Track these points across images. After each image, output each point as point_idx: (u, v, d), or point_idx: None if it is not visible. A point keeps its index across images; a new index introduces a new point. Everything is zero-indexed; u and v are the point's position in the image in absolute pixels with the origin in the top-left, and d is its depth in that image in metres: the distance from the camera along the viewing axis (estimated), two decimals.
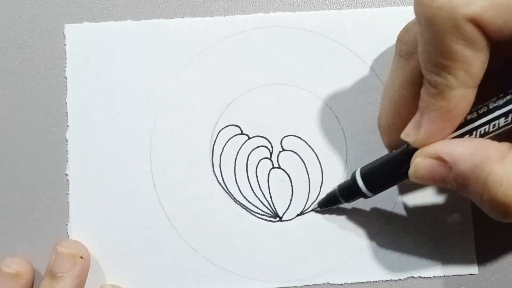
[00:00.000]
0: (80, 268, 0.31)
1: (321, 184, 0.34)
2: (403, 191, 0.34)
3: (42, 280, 0.31)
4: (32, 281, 0.32)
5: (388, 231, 0.33)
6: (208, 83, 0.34)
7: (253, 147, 0.34)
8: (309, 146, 0.34)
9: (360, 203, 0.33)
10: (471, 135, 0.26)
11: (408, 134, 0.27)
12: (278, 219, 0.33)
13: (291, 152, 0.34)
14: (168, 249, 0.33)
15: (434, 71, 0.24)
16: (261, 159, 0.34)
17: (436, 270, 0.33)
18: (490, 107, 0.25)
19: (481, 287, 0.33)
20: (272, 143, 0.34)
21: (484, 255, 0.33)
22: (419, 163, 0.26)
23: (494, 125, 0.25)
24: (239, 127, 0.34)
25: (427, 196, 0.34)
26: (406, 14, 0.30)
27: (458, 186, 0.25)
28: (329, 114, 0.34)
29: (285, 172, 0.34)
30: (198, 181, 0.33)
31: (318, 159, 0.34)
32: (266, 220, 0.33)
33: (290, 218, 0.33)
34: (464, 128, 0.26)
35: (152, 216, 0.33)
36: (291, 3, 0.35)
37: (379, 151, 0.34)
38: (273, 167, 0.34)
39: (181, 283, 0.33)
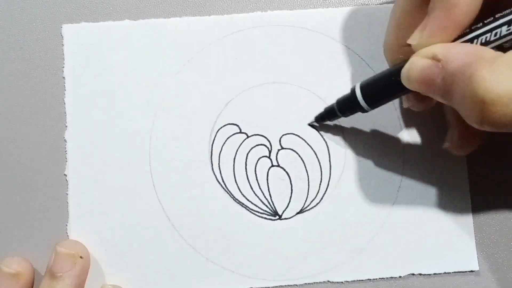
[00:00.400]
0: (80, 268, 0.31)
1: (320, 182, 0.34)
2: (403, 188, 0.34)
3: (42, 280, 0.31)
4: (32, 281, 0.32)
5: (388, 229, 0.33)
6: (207, 82, 0.34)
7: (252, 146, 0.34)
8: (308, 144, 0.34)
9: (361, 200, 0.33)
10: (472, 42, 0.26)
11: (413, 38, 0.27)
12: (277, 217, 0.33)
13: (290, 150, 0.34)
14: (168, 249, 0.33)
15: None
16: (260, 158, 0.34)
17: (436, 267, 0.33)
18: (496, 16, 0.25)
19: (482, 284, 0.33)
20: (271, 142, 0.34)
21: (484, 251, 0.33)
22: (414, 62, 0.26)
23: (495, 34, 0.25)
24: (238, 125, 0.34)
25: (427, 193, 0.34)
26: None
27: (445, 89, 0.25)
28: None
29: (284, 170, 0.34)
30: (197, 180, 0.33)
31: (317, 157, 0.34)
32: (265, 218, 0.33)
33: (289, 216, 0.33)
34: (467, 36, 0.26)
35: (151, 216, 0.33)
36: (289, 2, 0.35)
37: (377, 149, 0.34)
38: (272, 166, 0.34)
39: (181, 282, 0.33)
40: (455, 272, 0.33)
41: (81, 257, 0.31)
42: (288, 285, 0.33)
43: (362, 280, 0.33)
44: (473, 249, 0.33)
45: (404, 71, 0.27)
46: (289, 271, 0.33)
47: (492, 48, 0.25)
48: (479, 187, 0.34)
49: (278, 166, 0.34)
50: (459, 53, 0.24)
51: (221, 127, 0.34)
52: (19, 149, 0.34)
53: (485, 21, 0.25)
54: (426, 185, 0.34)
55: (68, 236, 0.33)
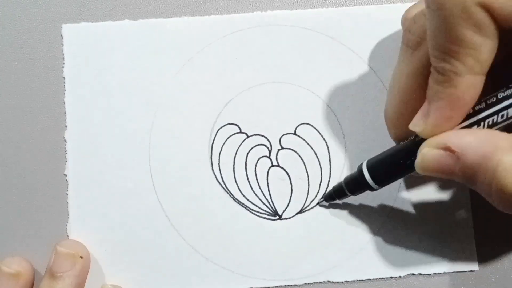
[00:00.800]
0: (80, 267, 0.31)
1: (320, 182, 0.34)
2: (402, 188, 0.34)
3: (42, 279, 0.31)
4: (32, 281, 0.32)
5: (388, 229, 0.33)
6: (206, 82, 0.34)
7: (252, 146, 0.34)
8: (308, 144, 0.34)
9: (360, 200, 0.33)
10: (479, 125, 0.26)
11: (416, 124, 0.27)
12: (277, 217, 0.33)
13: (290, 150, 0.34)
14: (168, 249, 0.33)
15: (442, 57, 0.24)
16: (260, 158, 0.34)
17: (436, 267, 0.33)
18: (499, 97, 0.25)
19: (481, 284, 0.33)
20: (271, 142, 0.34)
21: (484, 251, 0.33)
22: (426, 154, 0.26)
23: (502, 116, 0.25)
24: (237, 125, 0.34)
25: (427, 193, 0.34)
26: (404, 11, 0.31)
27: (466, 178, 0.25)
28: (328, 111, 0.34)
29: (284, 170, 0.34)
30: (197, 180, 0.33)
31: (317, 157, 0.34)
32: (265, 218, 0.33)
33: (289, 216, 0.33)
34: (472, 118, 0.26)
35: (151, 216, 0.33)
36: (289, 2, 0.35)
37: (378, 148, 0.34)
38: (272, 166, 0.34)
39: (181, 282, 0.33)
40: (455, 272, 0.33)
41: (81, 257, 0.31)
42: (288, 285, 0.33)
43: (362, 280, 0.33)
44: (473, 249, 0.33)
45: (417, 163, 0.26)
46: (289, 271, 0.33)
47: (498, 129, 0.25)
48: None
49: (278, 166, 0.34)
50: (472, 143, 0.24)
51: (221, 127, 0.34)
52: (19, 149, 0.34)
53: (488, 102, 0.25)
54: (426, 185, 0.34)
55: (68, 236, 0.33)
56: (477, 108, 0.26)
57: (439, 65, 0.24)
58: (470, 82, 0.24)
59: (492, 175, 0.23)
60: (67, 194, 0.33)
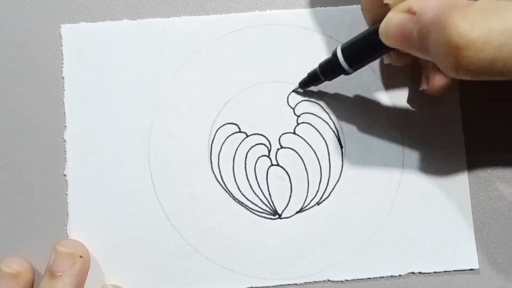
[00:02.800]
0: (80, 267, 0.31)
1: (320, 181, 0.34)
2: (403, 188, 0.34)
3: (42, 279, 0.31)
4: (32, 281, 0.32)
5: (387, 227, 0.33)
6: (205, 82, 0.34)
7: (252, 145, 0.34)
8: (308, 143, 0.34)
9: (360, 199, 0.33)
10: None
11: None
12: (277, 216, 0.33)
13: (289, 149, 0.34)
14: (168, 248, 0.33)
15: None
16: (260, 157, 0.34)
17: (436, 266, 0.33)
18: None
19: (482, 282, 0.33)
20: (270, 141, 0.34)
21: (484, 250, 0.33)
22: (390, 17, 0.26)
23: None
24: (237, 125, 0.34)
25: (427, 193, 0.34)
26: None
27: (421, 41, 0.25)
28: (327, 111, 0.34)
29: (284, 169, 0.34)
30: (196, 179, 0.33)
31: (316, 156, 0.34)
32: (265, 217, 0.33)
33: (289, 216, 0.33)
34: None
35: (151, 215, 0.33)
36: (288, 1, 0.35)
37: (377, 147, 0.34)
38: (272, 165, 0.34)
39: (181, 282, 0.33)
40: (455, 270, 0.33)
41: (80, 256, 0.31)
42: (288, 284, 0.33)
43: (362, 279, 0.33)
44: (473, 248, 0.33)
45: (381, 27, 0.27)
46: (289, 270, 0.33)
47: None
48: (478, 186, 0.34)
49: (278, 165, 0.34)
50: (433, 4, 0.24)
51: (220, 127, 0.34)
52: (19, 149, 0.34)
53: None
54: (426, 183, 0.34)
55: (68, 236, 0.33)
56: None
57: None
58: None
59: (442, 29, 0.23)
60: (67, 194, 0.33)
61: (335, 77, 0.32)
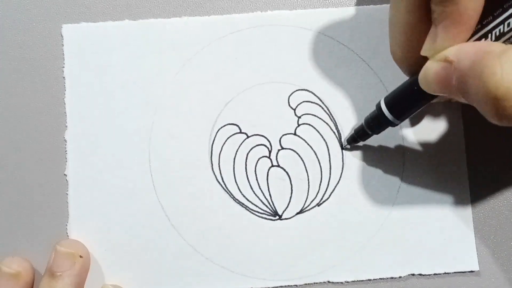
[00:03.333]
0: (80, 267, 0.31)
1: (320, 182, 0.34)
2: (403, 188, 0.34)
3: (42, 279, 0.31)
4: (32, 281, 0.32)
5: (388, 229, 0.33)
6: (206, 82, 0.34)
7: (252, 146, 0.34)
8: (308, 144, 0.34)
9: (360, 199, 0.33)
10: (486, 38, 0.25)
11: (426, 49, 0.27)
12: (277, 217, 0.33)
13: (290, 150, 0.34)
14: (168, 248, 0.33)
15: None
16: (260, 158, 0.34)
17: (436, 267, 0.33)
18: (505, 6, 0.25)
19: (482, 284, 0.33)
20: (271, 142, 0.34)
21: (484, 251, 0.33)
22: (428, 66, 0.26)
23: (509, 24, 0.24)
24: (237, 125, 0.34)
25: (427, 193, 0.34)
26: None
27: (460, 88, 0.25)
28: (327, 111, 0.34)
29: (284, 170, 0.34)
30: (197, 180, 0.33)
31: (317, 157, 0.34)
32: (265, 218, 0.33)
33: (289, 216, 0.33)
34: (479, 32, 0.25)
35: (151, 216, 0.33)
36: (289, 2, 0.35)
37: (377, 148, 0.34)
38: (272, 166, 0.34)
39: (181, 282, 0.33)
40: (455, 272, 0.33)
41: (80, 256, 0.31)
42: (288, 285, 0.33)
43: (362, 280, 0.33)
44: (473, 249, 0.33)
45: (420, 77, 0.27)
46: (289, 270, 0.33)
47: (507, 39, 0.25)
48: (479, 187, 0.34)
49: (278, 166, 0.34)
50: (469, 51, 0.24)
51: (221, 127, 0.34)
52: (19, 149, 0.34)
53: (495, 14, 0.25)
54: (426, 185, 0.34)
55: (68, 236, 0.33)
56: (484, 22, 0.25)
57: None
58: None
59: (479, 78, 0.23)
60: (67, 194, 0.33)
61: (382, 130, 0.31)
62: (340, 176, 0.34)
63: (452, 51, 0.25)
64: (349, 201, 0.33)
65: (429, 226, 0.33)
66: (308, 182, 0.34)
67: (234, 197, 0.33)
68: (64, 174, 0.33)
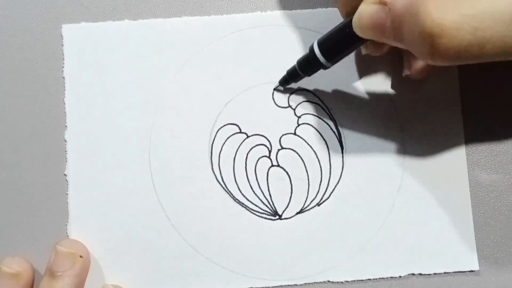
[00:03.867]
0: (80, 267, 0.31)
1: (320, 182, 0.34)
2: (403, 188, 0.34)
3: (42, 279, 0.31)
4: (32, 281, 0.32)
5: (388, 228, 0.33)
6: (206, 82, 0.34)
7: (252, 146, 0.34)
8: (308, 144, 0.34)
9: (360, 199, 0.33)
10: None
11: None
12: (277, 217, 0.33)
13: (290, 150, 0.34)
14: (168, 248, 0.33)
15: None
16: (260, 158, 0.34)
17: (436, 267, 0.33)
18: None
19: (482, 284, 0.33)
20: (271, 142, 0.34)
21: (484, 251, 0.33)
22: (362, 10, 0.26)
23: None
24: (237, 125, 0.34)
25: (427, 193, 0.34)
26: None
27: (395, 31, 0.25)
28: (327, 111, 0.34)
29: (284, 170, 0.34)
30: (197, 180, 0.33)
31: (317, 157, 0.34)
32: (265, 218, 0.33)
33: (289, 216, 0.33)
34: None
35: (151, 216, 0.33)
36: (289, 2, 0.35)
37: (376, 147, 0.34)
38: (272, 165, 0.34)
39: (181, 282, 0.33)
40: (455, 272, 0.33)
41: (80, 256, 0.31)
42: (288, 285, 0.33)
43: (362, 280, 0.33)
44: (473, 249, 0.33)
45: (354, 19, 0.27)
46: (289, 270, 0.33)
47: None
48: (479, 187, 0.34)
49: (278, 166, 0.34)
50: None
51: (221, 127, 0.34)
52: (19, 149, 0.34)
53: None
54: (426, 185, 0.34)
55: (68, 236, 0.33)
56: None
57: None
58: None
59: (415, 18, 0.23)
60: (67, 194, 0.33)
61: (314, 72, 0.32)
62: (340, 176, 0.34)
63: None
64: (349, 201, 0.33)
65: (429, 226, 0.33)
66: (308, 182, 0.34)
67: (234, 197, 0.33)
68: (64, 174, 0.33)
